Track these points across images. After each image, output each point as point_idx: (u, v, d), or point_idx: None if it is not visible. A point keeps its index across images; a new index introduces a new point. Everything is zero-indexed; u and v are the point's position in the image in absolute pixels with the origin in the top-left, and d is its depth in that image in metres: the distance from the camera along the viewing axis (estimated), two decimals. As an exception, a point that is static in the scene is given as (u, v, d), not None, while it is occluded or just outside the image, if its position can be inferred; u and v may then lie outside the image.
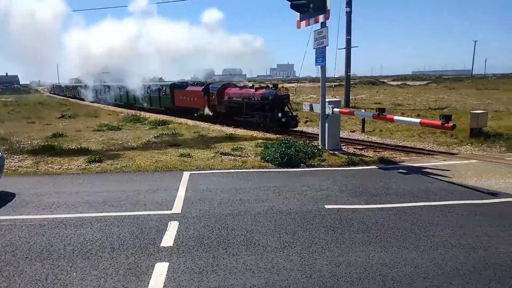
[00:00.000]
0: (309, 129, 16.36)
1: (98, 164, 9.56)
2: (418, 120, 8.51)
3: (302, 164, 9.31)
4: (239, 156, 10.38)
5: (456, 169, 8.71)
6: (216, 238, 5.07)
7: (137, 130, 16.60)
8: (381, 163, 9.46)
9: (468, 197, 6.67)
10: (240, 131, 15.99)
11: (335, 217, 5.81)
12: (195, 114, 21.04)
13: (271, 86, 16.58)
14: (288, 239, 5.01)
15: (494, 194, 6.79)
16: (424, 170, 8.69)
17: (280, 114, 15.15)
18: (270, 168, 9.08)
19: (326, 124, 11.13)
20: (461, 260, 4.37)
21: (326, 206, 6.32)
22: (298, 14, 11.64)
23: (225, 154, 10.59)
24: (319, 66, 11.28)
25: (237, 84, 19.45)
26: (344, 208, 6.22)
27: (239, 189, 7.31)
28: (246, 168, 9.05)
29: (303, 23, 11.62)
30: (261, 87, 17.04)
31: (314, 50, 11.35)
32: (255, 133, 15.31)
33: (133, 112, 24.43)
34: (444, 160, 9.74)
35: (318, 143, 11.24)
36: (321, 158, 9.71)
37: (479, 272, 4.11)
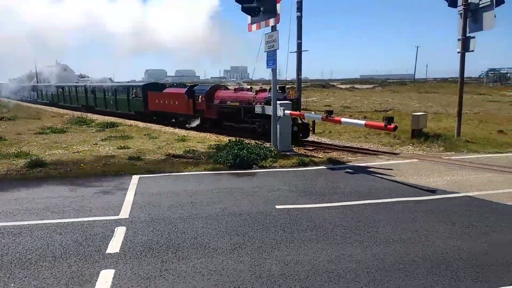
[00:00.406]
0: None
1: (39, 168, 9.04)
2: (363, 122, 8.89)
3: (254, 166, 9.39)
4: (191, 158, 10.26)
5: (398, 168, 9.20)
6: (165, 242, 4.98)
7: (83, 132, 15.88)
8: (330, 163, 9.77)
9: (409, 194, 7.07)
10: (194, 134, 15.80)
11: (285, 217, 5.92)
12: (172, 120, 18.55)
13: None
14: (238, 241, 5.03)
15: (432, 191, 7.24)
16: (369, 169, 9.10)
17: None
18: (223, 170, 9.06)
19: (278, 126, 11.32)
20: (401, 254, 4.63)
21: (277, 207, 6.42)
22: (249, 17, 11.77)
23: (176, 156, 10.43)
24: (273, 69, 11.46)
25: (228, 87, 17.35)
26: (294, 208, 6.35)
27: (190, 192, 7.24)
28: (198, 171, 8.97)
29: (254, 26, 11.75)
30: (262, 90, 14.66)
31: (265, 53, 11.51)
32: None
33: (79, 114, 23.33)
34: (387, 159, 10.25)
35: (270, 144, 11.40)
36: (273, 159, 9.85)
37: (418, 265, 4.37)
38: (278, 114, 11.26)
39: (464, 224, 5.55)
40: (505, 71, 55.40)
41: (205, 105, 16.04)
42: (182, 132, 16.26)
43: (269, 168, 9.29)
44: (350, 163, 9.85)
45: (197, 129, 16.73)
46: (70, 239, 5.11)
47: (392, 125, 7.76)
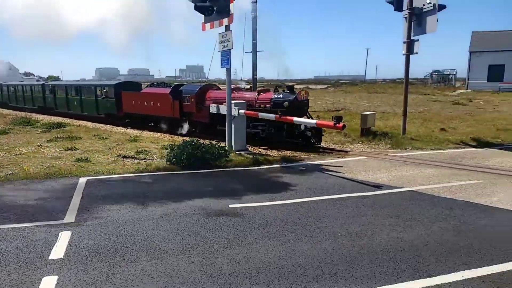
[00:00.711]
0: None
1: (-24, 172, 8.43)
2: (314, 121, 9.14)
3: (208, 165, 9.35)
4: (143, 159, 10.02)
5: (348, 165, 9.53)
6: (113, 246, 4.82)
7: (27, 134, 15.00)
8: (284, 162, 9.93)
9: (357, 190, 7.35)
10: (147, 134, 15.41)
11: (238, 216, 5.95)
12: (151, 124, 16.62)
13: (282, 88, 12.83)
14: (190, 241, 4.98)
15: (378, 187, 7.58)
16: (321, 167, 9.35)
17: (303, 126, 11.58)
18: (176, 170, 8.94)
19: (233, 125, 11.33)
20: (348, 248, 4.80)
21: (230, 206, 6.43)
22: (203, 16, 11.68)
23: (127, 157, 10.13)
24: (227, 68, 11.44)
25: (220, 87, 15.37)
26: (247, 206, 6.39)
27: (141, 194, 7.06)
28: (150, 171, 8.77)
29: (207, 25, 11.67)
30: (266, 90, 13.23)
31: (220, 52, 11.49)
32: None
33: (23, 114, 21.98)
34: (338, 157, 10.58)
35: (225, 144, 11.38)
36: (228, 159, 9.86)
37: (363, 257, 4.55)
38: (233, 114, 11.27)
39: (407, 217, 5.86)
40: (447, 73, 58.93)
41: (195, 107, 14.13)
42: (134, 132, 15.82)
43: (224, 168, 9.29)
44: (303, 161, 10.07)
45: (185, 134, 14.67)
46: (10, 245, 4.82)
47: (340, 124, 8.05)
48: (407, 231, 5.33)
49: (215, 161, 9.57)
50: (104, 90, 19.26)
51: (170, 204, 6.48)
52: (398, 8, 13.20)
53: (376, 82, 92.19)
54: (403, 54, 13.19)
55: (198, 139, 11.95)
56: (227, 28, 11.02)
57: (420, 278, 4.06)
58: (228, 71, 11.42)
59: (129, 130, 16.39)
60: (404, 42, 13.08)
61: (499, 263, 4.37)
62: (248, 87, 14.00)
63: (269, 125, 11.94)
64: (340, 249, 4.74)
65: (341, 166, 9.37)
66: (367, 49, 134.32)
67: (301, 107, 11.78)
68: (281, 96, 12.07)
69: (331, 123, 8.36)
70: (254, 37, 27.27)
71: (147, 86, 18.40)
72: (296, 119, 9.71)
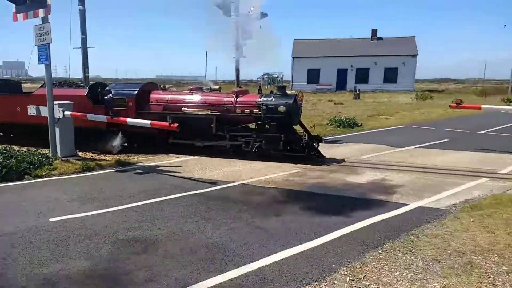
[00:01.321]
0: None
1: None
2: (149, 121, 8.91)
3: (27, 176, 8.17)
4: None
5: (187, 164, 9.64)
6: None
7: None
8: (119, 166, 9.41)
9: (194, 188, 7.48)
10: None
11: (60, 230, 5.36)
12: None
13: (271, 89, 10.77)
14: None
15: (213, 183, 7.87)
16: (159, 168, 9.21)
17: (306, 137, 9.97)
18: (-19, 185, 7.51)
19: (57, 129, 10.15)
20: (182, 246, 4.84)
21: (51, 219, 5.74)
22: (14, 5, 10.12)
23: None
24: (51, 65, 10.16)
25: (165, 88, 12.19)
26: (72, 218, 5.81)
27: None
28: None
29: (20, 15, 10.16)
30: (243, 91, 10.94)
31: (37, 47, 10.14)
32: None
33: None
34: (177, 157, 10.58)
35: (48, 151, 10.11)
36: (51, 167, 8.79)
37: (194, 253, 4.65)
38: (57, 116, 10.10)
39: (237, 210, 6.25)
40: (276, 75, 65.49)
41: (134, 113, 10.58)
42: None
43: (46, 177, 8.26)
44: (140, 164, 9.73)
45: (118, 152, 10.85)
46: None
47: (175, 125, 8.09)
48: (236, 223, 5.68)
49: (35, 170, 8.42)
50: None
51: (-30, 226, 5.39)
52: (226, 13, 13.96)
53: (216, 83, 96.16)
54: (233, 57, 14.09)
55: (11, 146, 10.31)
56: (45, 20, 9.80)
57: (245, 264, 4.38)
58: (48, 67, 10.17)
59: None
60: (233, 46, 13.94)
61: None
62: (217, 87, 11.50)
63: (259, 135, 9.86)
64: (174, 248, 4.75)
65: (180, 166, 9.41)
66: (206, 52, 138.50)
67: (298, 113, 10.15)
68: (271, 98, 9.93)
69: (167, 123, 8.33)
70: (84, 32, 25.07)
71: (41, 87, 12.88)
72: (129, 120, 9.29)
